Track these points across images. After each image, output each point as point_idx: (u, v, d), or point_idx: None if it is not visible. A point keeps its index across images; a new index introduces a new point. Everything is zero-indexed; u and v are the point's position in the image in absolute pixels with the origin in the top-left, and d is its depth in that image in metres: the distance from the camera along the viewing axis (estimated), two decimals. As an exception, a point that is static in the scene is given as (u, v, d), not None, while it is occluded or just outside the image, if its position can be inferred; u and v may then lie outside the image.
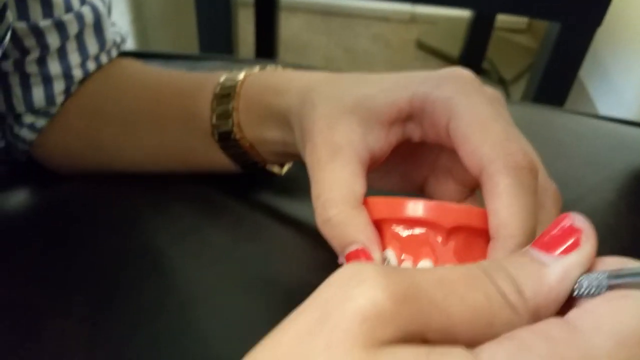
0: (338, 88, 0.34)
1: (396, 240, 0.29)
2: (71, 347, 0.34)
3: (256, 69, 0.42)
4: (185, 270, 0.39)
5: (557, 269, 0.21)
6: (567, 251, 0.21)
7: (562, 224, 0.22)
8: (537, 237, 0.30)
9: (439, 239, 0.29)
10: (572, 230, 0.21)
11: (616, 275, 0.20)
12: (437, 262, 0.28)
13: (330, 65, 1.75)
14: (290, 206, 0.44)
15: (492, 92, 0.33)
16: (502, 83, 1.72)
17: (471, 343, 0.19)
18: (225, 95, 0.41)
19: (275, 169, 0.44)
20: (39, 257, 0.39)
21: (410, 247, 0.29)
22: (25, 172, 0.48)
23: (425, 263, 0.29)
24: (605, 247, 0.44)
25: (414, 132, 0.33)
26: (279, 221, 0.43)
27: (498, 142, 0.29)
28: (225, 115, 0.40)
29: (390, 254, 0.29)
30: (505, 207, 0.27)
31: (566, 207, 0.33)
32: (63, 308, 0.36)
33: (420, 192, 0.37)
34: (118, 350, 0.34)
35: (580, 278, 0.21)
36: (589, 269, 0.21)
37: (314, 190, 0.31)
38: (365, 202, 0.30)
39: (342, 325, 0.19)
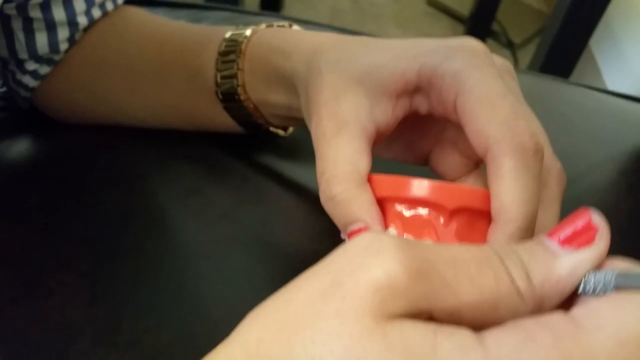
0: (345, 54, 0.33)
1: (399, 219, 0.29)
2: (72, 301, 0.34)
3: (262, 26, 0.41)
4: (187, 229, 0.39)
5: (568, 262, 0.21)
6: (580, 246, 0.21)
7: (580, 218, 0.22)
8: (537, 216, 0.30)
9: (442, 219, 0.29)
10: (588, 227, 0.21)
11: (624, 276, 0.20)
12: (438, 241, 0.29)
13: (336, 18, 1.72)
14: (294, 170, 0.44)
15: (502, 63, 0.33)
16: (510, 46, 1.69)
17: (474, 324, 0.20)
18: (230, 52, 0.40)
19: (279, 131, 0.44)
20: (42, 208, 0.40)
21: (412, 226, 0.29)
22: (28, 120, 0.48)
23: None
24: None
25: (421, 105, 0.33)
26: (281, 185, 0.43)
27: (505, 121, 0.28)
28: (230, 75, 0.40)
29: (393, 232, 0.29)
30: (507, 191, 0.27)
31: (567, 184, 0.33)
32: (65, 261, 0.36)
33: (424, 163, 0.37)
34: (118, 306, 0.35)
35: (588, 275, 0.21)
36: (597, 267, 0.21)
37: (318, 165, 0.31)
38: (369, 180, 0.30)
39: (354, 294, 0.19)
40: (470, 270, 0.20)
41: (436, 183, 0.28)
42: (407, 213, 0.29)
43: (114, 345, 0.33)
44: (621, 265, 0.21)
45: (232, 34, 0.41)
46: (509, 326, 0.20)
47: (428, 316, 0.20)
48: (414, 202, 0.29)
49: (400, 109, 0.33)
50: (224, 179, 0.43)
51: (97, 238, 0.38)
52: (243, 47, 0.40)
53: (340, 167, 0.30)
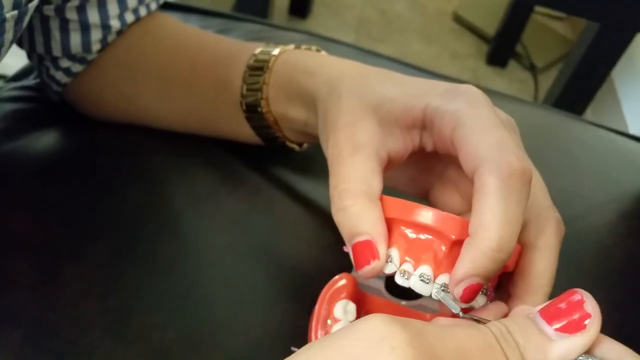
0: (364, 83, 0.35)
1: (402, 240, 0.31)
2: (86, 292, 0.36)
3: (291, 46, 0.44)
4: (199, 233, 0.41)
5: (562, 348, 0.23)
6: (572, 330, 0.23)
7: (572, 299, 0.23)
8: (534, 263, 0.32)
9: (443, 248, 0.30)
10: (581, 312, 0.23)
11: None
12: (436, 269, 0.30)
13: (362, 27, 1.74)
14: (305, 185, 0.46)
15: (506, 118, 0.35)
16: (532, 69, 1.70)
17: None
18: (259, 68, 0.42)
19: (295, 146, 0.46)
20: (64, 200, 0.42)
21: (414, 250, 0.31)
22: (57, 113, 0.50)
23: (424, 269, 0.30)
24: (598, 268, 0.46)
25: (428, 142, 0.35)
26: (292, 198, 0.45)
27: (495, 143, 0.29)
28: (256, 88, 0.42)
29: (395, 253, 0.31)
30: (487, 209, 0.28)
31: (567, 223, 0.34)
32: (82, 255, 0.38)
33: (424, 197, 0.38)
34: (129, 302, 0.37)
35: (579, 358, 0.23)
36: (588, 350, 0.23)
37: (332, 181, 0.33)
38: (380, 199, 0.32)
39: None
40: (473, 357, 0.22)
41: (443, 213, 0.30)
42: (411, 236, 0.31)
43: (123, 338, 0.35)
44: (614, 350, 0.23)
45: (261, 51, 0.43)
46: None
47: None
48: (420, 228, 0.30)
49: (410, 142, 0.35)
50: (238, 187, 0.45)
51: (114, 235, 0.40)
52: (271, 63, 0.42)
53: (354, 182, 0.31)
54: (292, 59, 0.42)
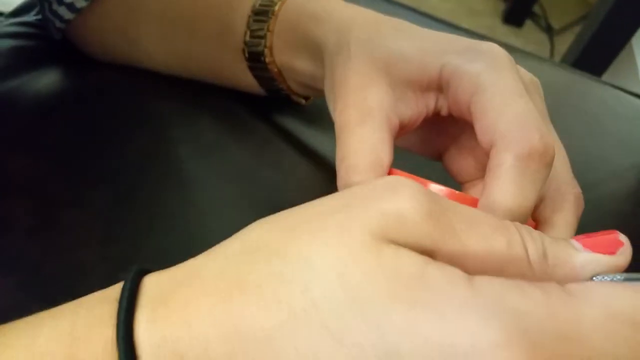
0: (376, 34, 0.33)
1: None
2: (86, 240, 0.35)
3: None
4: (205, 183, 0.40)
5: (586, 257, 0.22)
6: (602, 250, 0.22)
7: (607, 234, 0.23)
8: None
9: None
10: (614, 241, 0.22)
11: (632, 279, 0.21)
12: None
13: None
14: (314, 137, 0.44)
15: (530, 78, 0.32)
16: (548, 31, 1.66)
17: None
18: (263, 12, 0.40)
19: (300, 99, 0.44)
20: (64, 143, 0.40)
21: None
22: (59, 52, 0.48)
23: None
24: (615, 234, 0.45)
25: (443, 106, 0.32)
26: (301, 151, 0.43)
27: (515, 118, 0.27)
28: (259, 35, 0.40)
29: None
30: (500, 189, 0.26)
31: (585, 188, 0.32)
32: (82, 200, 0.37)
33: (437, 159, 0.36)
34: (129, 249, 0.35)
35: (599, 275, 0.22)
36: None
37: (339, 151, 0.31)
38: (389, 173, 0.30)
39: (360, 213, 0.20)
40: (484, 228, 0.21)
41: (456, 193, 0.28)
42: None
43: (121, 289, 0.33)
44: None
45: None
46: (502, 277, 0.20)
47: (429, 256, 0.20)
48: None
49: (424, 106, 0.32)
50: (245, 137, 0.43)
51: (115, 180, 0.39)
52: (276, 8, 0.39)
53: (362, 156, 0.29)
54: (300, 2, 0.39)
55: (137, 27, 0.45)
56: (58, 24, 0.46)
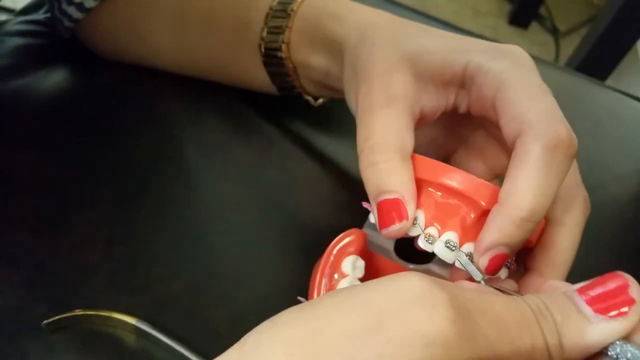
0: (400, 32, 0.33)
1: (430, 203, 0.29)
2: (91, 239, 0.35)
3: None
4: (211, 183, 0.40)
5: (600, 332, 0.22)
6: (611, 311, 0.22)
7: (616, 281, 0.22)
8: (558, 239, 0.30)
9: (472, 215, 0.28)
10: (624, 296, 0.22)
11: None
12: (462, 237, 0.29)
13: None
14: (320, 140, 0.45)
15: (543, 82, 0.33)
16: (554, 33, 1.66)
17: None
18: (283, 10, 0.40)
19: (310, 99, 0.44)
20: (71, 142, 0.40)
21: (441, 214, 0.29)
22: (67, 51, 0.48)
23: (450, 235, 0.29)
24: (618, 240, 0.45)
25: (463, 102, 0.33)
26: (307, 152, 0.43)
27: (544, 111, 0.28)
28: (277, 31, 0.40)
29: (420, 216, 0.29)
30: (526, 177, 0.27)
31: (588, 191, 0.33)
32: (88, 199, 0.37)
33: (444, 161, 0.37)
34: (134, 250, 0.36)
35: (616, 342, 0.22)
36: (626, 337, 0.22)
37: (362, 132, 0.31)
38: (411, 158, 0.30)
39: (402, 342, 0.19)
40: (512, 332, 0.21)
41: (477, 179, 0.28)
42: (440, 200, 0.29)
43: (127, 288, 0.34)
44: None
45: None
46: None
47: None
48: (449, 191, 0.29)
49: (444, 100, 0.33)
50: (251, 138, 0.43)
51: (122, 180, 0.39)
52: (296, 5, 0.40)
53: (388, 137, 0.30)
54: (320, 2, 0.40)
55: (148, 23, 0.45)
56: (67, 23, 0.47)
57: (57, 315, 0.31)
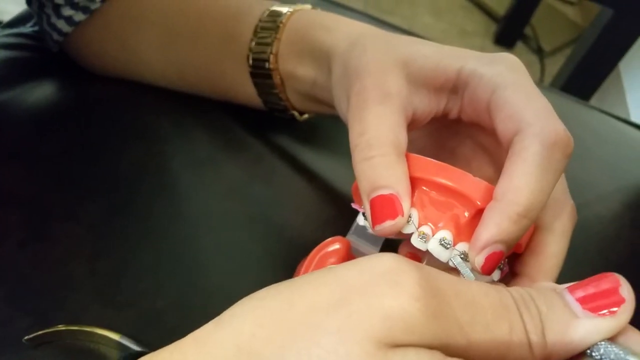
0: (391, 39, 0.34)
1: (424, 202, 0.29)
2: (76, 253, 0.35)
3: (308, 6, 0.42)
4: (197, 198, 0.40)
5: (586, 327, 0.21)
6: (600, 310, 0.21)
7: (609, 282, 0.22)
8: (547, 246, 0.30)
9: (466, 214, 0.28)
10: (615, 296, 0.21)
11: (635, 357, 0.20)
12: (456, 235, 0.28)
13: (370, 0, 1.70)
14: (308, 156, 0.45)
15: None
16: (539, 53, 1.68)
17: None
18: (272, 22, 0.40)
19: (295, 113, 0.44)
20: (58, 155, 0.40)
21: (435, 213, 0.29)
22: (55, 64, 0.48)
23: (444, 233, 0.28)
24: (601, 258, 0.45)
25: (454, 108, 0.33)
26: (294, 168, 0.43)
27: (541, 110, 0.28)
28: (266, 42, 0.40)
29: (414, 214, 0.29)
30: (524, 173, 0.27)
31: (572, 210, 0.33)
32: (74, 213, 0.37)
33: None
34: (120, 265, 0.35)
35: (600, 342, 0.21)
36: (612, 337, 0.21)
37: (356, 127, 0.30)
38: (405, 155, 0.30)
39: (362, 315, 0.19)
40: (487, 317, 0.20)
41: (472, 177, 0.28)
42: (434, 198, 0.29)
43: (111, 303, 0.34)
44: (637, 342, 0.21)
45: (276, 6, 0.41)
46: None
47: (435, 349, 0.19)
48: (445, 190, 0.28)
49: (435, 104, 0.33)
50: (239, 153, 0.43)
51: (107, 193, 0.39)
52: (285, 18, 0.40)
53: (383, 132, 0.29)
54: (309, 15, 0.40)
55: (138, 37, 0.45)
56: (56, 36, 0.47)
57: (40, 330, 0.31)
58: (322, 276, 0.20)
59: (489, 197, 0.28)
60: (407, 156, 0.30)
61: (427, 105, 0.32)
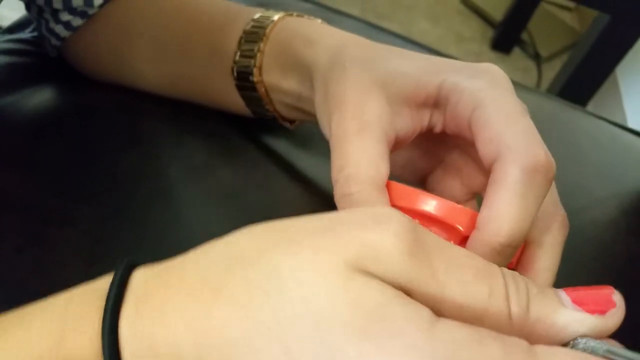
0: (370, 54, 0.33)
1: None
2: (72, 258, 0.35)
3: (293, 13, 0.42)
4: (194, 204, 0.40)
5: (571, 316, 0.21)
6: (591, 310, 0.21)
7: (603, 292, 0.22)
8: (537, 260, 0.30)
9: (451, 242, 0.28)
10: (607, 300, 0.21)
11: (612, 353, 0.20)
12: None
13: (368, 2, 1.71)
14: (305, 162, 0.45)
15: (520, 103, 0.33)
16: (536, 58, 1.68)
17: None
18: (255, 33, 0.40)
19: (285, 123, 0.44)
20: (55, 160, 0.40)
21: None
22: (54, 70, 0.48)
23: None
24: (597, 263, 0.45)
25: (438, 122, 0.32)
26: (290, 174, 0.43)
27: (522, 133, 0.27)
28: (249, 55, 0.40)
29: None
30: (505, 202, 0.26)
31: (569, 216, 0.33)
32: (70, 217, 0.37)
33: (420, 183, 0.36)
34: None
35: (581, 337, 0.21)
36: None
37: (336, 161, 0.30)
38: (386, 185, 0.30)
39: (340, 239, 0.20)
40: (466, 275, 0.21)
41: (454, 205, 0.28)
42: None
43: (107, 308, 0.34)
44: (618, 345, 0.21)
45: (260, 16, 0.41)
46: (470, 325, 0.19)
47: (404, 293, 0.20)
48: (428, 219, 0.28)
49: (419, 122, 0.32)
50: (235, 159, 0.43)
51: (104, 198, 0.39)
52: (268, 30, 0.40)
53: (362, 167, 0.29)
54: (292, 25, 0.39)
55: (130, 48, 0.46)
56: (54, 41, 0.47)
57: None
58: (319, 214, 0.22)
59: (472, 223, 0.27)
60: (388, 185, 0.29)
61: (410, 124, 0.32)
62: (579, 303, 0.21)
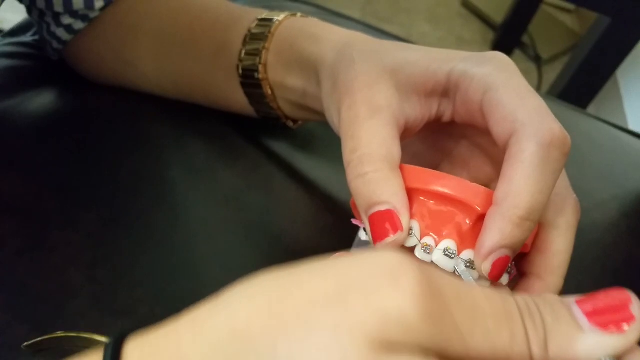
0: (378, 48, 0.33)
1: (424, 213, 0.29)
2: (74, 261, 0.35)
3: (298, 14, 0.42)
4: (194, 206, 0.40)
5: (591, 343, 0.20)
6: (608, 326, 0.20)
7: (619, 298, 0.21)
8: (552, 242, 0.30)
9: (468, 221, 0.28)
10: (625, 312, 0.21)
11: None
12: (460, 244, 0.28)
13: (369, 4, 1.71)
14: (305, 164, 0.45)
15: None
16: (537, 61, 1.68)
17: None
18: (260, 32, 0.40)
19: (288, 122, 0.44)
20: (56, 164, 0.40)
21: (436, 223, 0.28)
22: (55, 73, 0.48)
23: (447, 243, 0.28)
24: (597, 265, 0.45)
25: (447, 110, 0.32)
26: (291, 176, 0.43)
27: (535, 109, 0.27)
28: (255, 53, 0.40)
29: (415, 226, 0.28)
30: (522, 176, 0.26)
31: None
32: (72, 220, 0.37)
33: None
34: (117, 273, 0.35)
35: (606, 358, 0.20)
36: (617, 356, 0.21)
37: (349, 144, 0.30)
38: (399, 167, 0.29)
39: (358, 313, 0.18)
40: (488, 324, 0.20)
41: (469, 184, 0.28)
42: (433, 208, 0.28)
43: (109, 310, 0.34)
44: None
45: (266, 16, 0.41)
46: None
47: (431, 355, 0.19)
48: (444, 199, 0.28)
49: (427, 110, 0.32)
50: (236, 161, 0.43)
51: (105, 202, 0.39)
52: (273, 28, 0.40)
53: (375, 147, 0.29)
54: (297, 24, 0.40)
55: (132, 47, 0.46)
56: (56, 45, 0.47)
57: (39, 337, 0.31)
58: (322, 268, 0.20)
59: (488, 202, 0.27)
60: (401, 168, 0.29)
61: (419, 111, 0.32)
62: (595, 315, 0.21)
